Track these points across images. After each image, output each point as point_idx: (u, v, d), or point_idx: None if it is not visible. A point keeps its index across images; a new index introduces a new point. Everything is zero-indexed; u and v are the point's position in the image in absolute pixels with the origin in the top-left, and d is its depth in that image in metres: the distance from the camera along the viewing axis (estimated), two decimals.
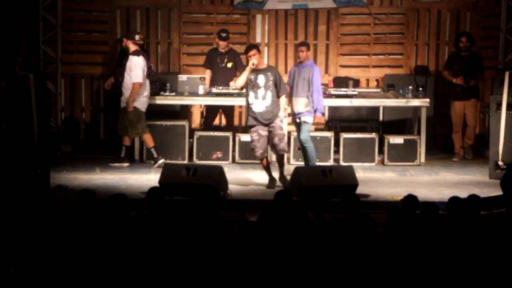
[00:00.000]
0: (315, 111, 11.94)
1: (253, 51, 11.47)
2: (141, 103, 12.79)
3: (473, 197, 8.42)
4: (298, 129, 12.09)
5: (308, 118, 11.94)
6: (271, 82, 11.49)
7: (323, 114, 12.21)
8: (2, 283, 7.36)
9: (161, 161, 12.65)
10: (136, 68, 12.61)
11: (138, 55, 12.72)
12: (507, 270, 7.54)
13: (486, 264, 7.58)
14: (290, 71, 12.41)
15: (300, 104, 11.92)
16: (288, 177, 11.60)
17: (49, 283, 7.44)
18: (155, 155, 12.79)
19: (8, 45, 10.41)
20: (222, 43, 13.66)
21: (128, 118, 12.78)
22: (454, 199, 8.29)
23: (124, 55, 14.32)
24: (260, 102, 11.54)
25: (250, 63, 11.47)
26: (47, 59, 14.12)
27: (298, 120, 12.00)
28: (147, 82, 12.88)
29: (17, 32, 10.85)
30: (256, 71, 11.51)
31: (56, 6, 13.95)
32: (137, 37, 12.95)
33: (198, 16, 14.91)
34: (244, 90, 12.19)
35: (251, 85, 11.55)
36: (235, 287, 7.41)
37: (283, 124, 11.89)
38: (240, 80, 11.70)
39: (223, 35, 13.70)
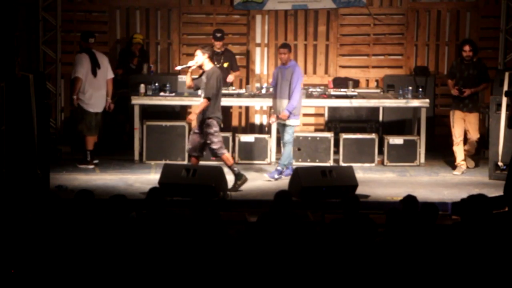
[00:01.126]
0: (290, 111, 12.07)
1: (196, 52, 11.54)
2: (83, 100, 12.82)
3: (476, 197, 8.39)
4: (282, 130, 12.25)
5: (291, 121, 12.10)
6: (205, 86, 11.55)
7: (290, 114, 12.04)
8: (2, 283, 7.36)
9: (91, 166, 12.77)
10: (76, 64, 12.79)
11: (81, 52, 12.85)
12: (507, 271, 7.54)
13: (487, 264, 7.57)
14: (273, 72, 12.57)
15: (284, 105, 12.07)
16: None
17: (49, 283, 7.44)
18: (88, 158, 12.82)
19: (8, 46, 10.40)
20: (217, 43, 13.67)
21: (76, 114, 12.99)
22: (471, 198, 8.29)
23: (125, 55, 14.36)
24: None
25: (189, 63, 11.57)
26: (47, 60, 14.11)
27: (282, 122, 12.17)
28: (94, 79, 12.85)
29: (16, 33, 10.85)
30: (202, 72, 11.61)
31: (55, 6, 13.94)
32: (91, 40, 12.98)
33: (198, 17, 14.91)
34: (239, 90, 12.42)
35: (199, 84, 11.67)
36: (235, 287, 7.41)
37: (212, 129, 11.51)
38: (186, 80, 11.75)
39: (218, 35, 13.72)
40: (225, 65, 13.69)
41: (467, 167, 12.92)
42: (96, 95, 12.87)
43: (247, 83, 14.73)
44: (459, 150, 12.78)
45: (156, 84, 13.39)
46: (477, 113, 12.85)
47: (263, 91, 13.57)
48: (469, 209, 8.13)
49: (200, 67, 11.53)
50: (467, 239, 7.82)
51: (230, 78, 13.84)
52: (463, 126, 12.79)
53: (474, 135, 12.77)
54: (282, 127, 12.28)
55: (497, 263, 7.59)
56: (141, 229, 7.97)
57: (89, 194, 8.27)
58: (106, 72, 12.97)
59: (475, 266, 7.57)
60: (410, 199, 8.44)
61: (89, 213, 8.05)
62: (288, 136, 12.20)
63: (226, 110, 14.00)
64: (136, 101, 13.18)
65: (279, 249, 7.77)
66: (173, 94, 13.40)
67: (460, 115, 12.79)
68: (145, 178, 12.15)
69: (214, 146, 11.45)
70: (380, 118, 14.08)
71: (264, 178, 12.15)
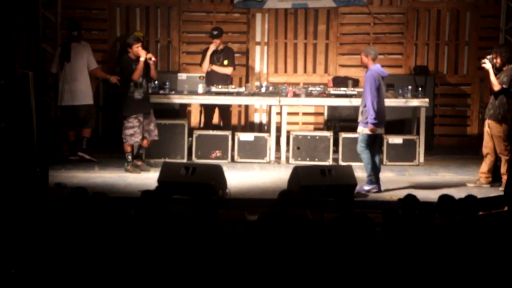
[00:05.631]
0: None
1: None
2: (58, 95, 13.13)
3: (470, 198, 8.40)
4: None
5: (359, 128, 11.59)
6: None
7: (373, 124, 11.35)
8: (2, 283, 7.36)
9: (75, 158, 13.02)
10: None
11: (60, 45, 13.23)
12: (505, 271, 7.54)
13: (485, 264, 7.58)
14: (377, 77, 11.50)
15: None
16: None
17: (46, 281, 7.44)
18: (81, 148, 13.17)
19: (8, 43, 10.41)
20: (214, 41, 13.63)
21: None
22: (445, 197, 8.25)
23: (124, 53, 14.33)
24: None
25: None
26: (47, 57, 14.10)
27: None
28: (62, 73, 13.04)
29: (16, 30, 10.85)
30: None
31: (55, 3, 13.91)
32: (73, 33, 13.16)
33: (198, 15, 14.92)
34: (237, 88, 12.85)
35: None
36: (234, 286, 7.41)
37: None
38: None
39: (214, 33, 13.66)
40: (225, 62, 13.68)
41: (488, 184, 11.85)
42: (66, 88, 12.98)
43: (247, 81, 14.73)
44: (483, 164, 11.88)
45: (156, 82, 13.38)
46: (498, 123, 11.62)
47: (263, 89, 13.55)
48: (451, 210, 8.15)
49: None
50: (465, 239, 7.83)
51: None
52: (488, 136, 11.79)
53: (497, 147, 11.68)
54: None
55: (495, 263, 7.60)
56: (139, 227, 7.97)
57: (83, 192, 8.27)
58: (82, 64, 13.02)
59: (473, 265, 7.57)
60: (409, 199, 8.44)
61: (84, 211, 8.06)
62: (357, 145, 11.68)
63: (226, 109, 14.02)
64: None
65: (281, 248, 7.77)
66: (173, 92, 13.39)
67: (486, 124, 11.82)
68: (144, 176, 12.14)
69: None
70: None
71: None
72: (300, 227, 8.31)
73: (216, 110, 13.96)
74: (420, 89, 13.66)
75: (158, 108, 13.62)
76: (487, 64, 11.67)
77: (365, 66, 11.51)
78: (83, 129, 13.14)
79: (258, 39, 14.92)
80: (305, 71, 14.94)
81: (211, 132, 13.34)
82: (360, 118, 11.52)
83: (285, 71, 14.98)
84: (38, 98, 10.85)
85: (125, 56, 12.35)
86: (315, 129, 14.68)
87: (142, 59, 12.01)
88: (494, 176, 11.87)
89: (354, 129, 13.51)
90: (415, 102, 13.31)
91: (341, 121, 13.99)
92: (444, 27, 14.87)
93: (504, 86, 11.55)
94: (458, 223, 8.11)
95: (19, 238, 7.76)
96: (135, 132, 12.13)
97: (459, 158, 13.71)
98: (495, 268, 7.57)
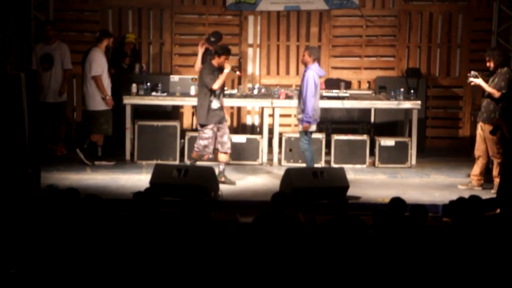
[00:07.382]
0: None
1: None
2: None
3: (468, 199, 8.41)
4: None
5: (300, 127, 11.95)
6: None
7: (309, 122, 11.79)
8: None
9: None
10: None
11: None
12: (498, 272, 7.55)
13: (478, 266, 7.59)
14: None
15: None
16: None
17: (38, 283, 7.43)
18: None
19: (0, 44, 10.39)
20: (211, 47, 13.58)
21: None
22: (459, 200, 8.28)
23: (117, 55, 14.32)
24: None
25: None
26: None
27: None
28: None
29: (8, 31, 10.83)
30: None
31: (47, 5, 13.92)
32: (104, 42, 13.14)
33: (190, 17, 14.90)
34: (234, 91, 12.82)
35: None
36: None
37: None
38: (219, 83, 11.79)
39: (212, 39, 13.45)
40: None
41: (480, 186, 11.88)
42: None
43: (239, 83, 14.72)
44: (475, 166, 11.90)
45: (148, 84, 13.37)
46: (491, 127, 11.50)
47: (255, 91, 13.56)
48: (460, 211, 8.15)
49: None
50: (458, 241, 7.83)
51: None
52: (480, 139, 11.78)
53: (489, 150, 11.70)
54: None
55: (489, 265, 7.61)
56: (131, 229, 7.96)
57: (75, 193, 8.26)
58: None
59: (467, 267, 7.58)
60: (397, 201, 8.44)
61: (75, 212, 8.05)
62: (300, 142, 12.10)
63: None
64: (128, 100, 13.17)
65: (274, 250, 7.77)
66: (165, 94, 13.39)
67: (479, 126, 11.83)
68: (136, 178, 12.14)
69: None
70: (372, 119, 14.09)
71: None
72: (294, 229, 8.31)
73: None
74: (412, 91, 13.68)
75: (151, 110, 13.65)
76: (475, 80, 11.69)
77: (305, 64, 11.85)
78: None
79: (250, 41, 14.92)
80: (297, 73, 14.94)
81: None
82: (300, 116, 11.86)
83: (278, 73, 14.99)
84: (30, 99, 10.83)
85: (208, 63, 12.10)
86: None
87: (226, 70, 11.69)
88: (486, 179, 11.90)
89: (346, 131, 13.59)
90: (407, 105, 13.32)
91: (333, 123, 14.00)
92: (436, 30, 14.89)
93: (503, 91, 11.56)
94: (456, 225, 8.13)
95: (11, 240, 7.75)
96: (209, 143, 11.89)
97: (451, 161, 13.73)
98: (487, 270, 7.58)
